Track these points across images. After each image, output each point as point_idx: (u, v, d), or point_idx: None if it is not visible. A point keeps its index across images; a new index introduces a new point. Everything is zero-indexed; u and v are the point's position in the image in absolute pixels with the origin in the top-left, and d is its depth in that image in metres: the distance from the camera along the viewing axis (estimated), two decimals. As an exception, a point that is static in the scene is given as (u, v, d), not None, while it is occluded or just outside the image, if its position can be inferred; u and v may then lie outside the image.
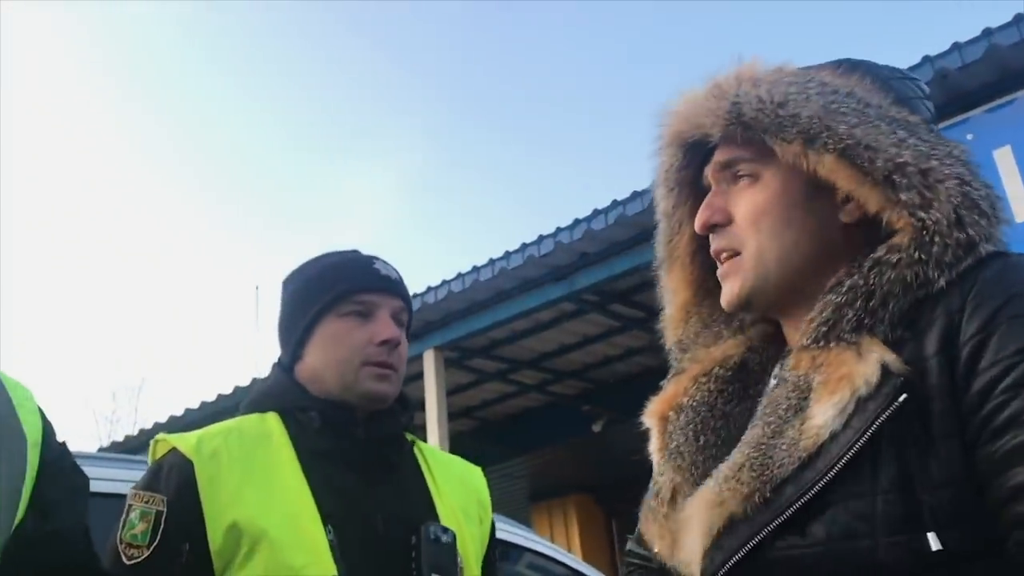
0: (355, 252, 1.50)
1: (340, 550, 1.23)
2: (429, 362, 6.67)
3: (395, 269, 1.49)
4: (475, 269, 6.40)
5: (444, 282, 6.54)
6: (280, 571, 1.20)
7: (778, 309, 0.90)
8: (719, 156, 0.91)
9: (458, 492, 1.47)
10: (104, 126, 30.21)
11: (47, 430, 1.12)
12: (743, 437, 0.83)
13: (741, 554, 0.77)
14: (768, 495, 0.76)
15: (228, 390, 7.78)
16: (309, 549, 1.22)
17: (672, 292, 1.02)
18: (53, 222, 28.74)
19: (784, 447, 0.77)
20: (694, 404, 0.93)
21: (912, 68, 3.90)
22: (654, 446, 0.96)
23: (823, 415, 0.75)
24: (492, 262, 6.30)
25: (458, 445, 6.31)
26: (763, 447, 0.79)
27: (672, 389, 0.97)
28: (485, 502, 1.54)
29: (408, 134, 30.97)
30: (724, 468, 0.82)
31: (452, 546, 1.32)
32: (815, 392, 0.77)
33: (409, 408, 1.53)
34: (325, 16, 29.74)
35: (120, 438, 9.71)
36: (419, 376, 6.67)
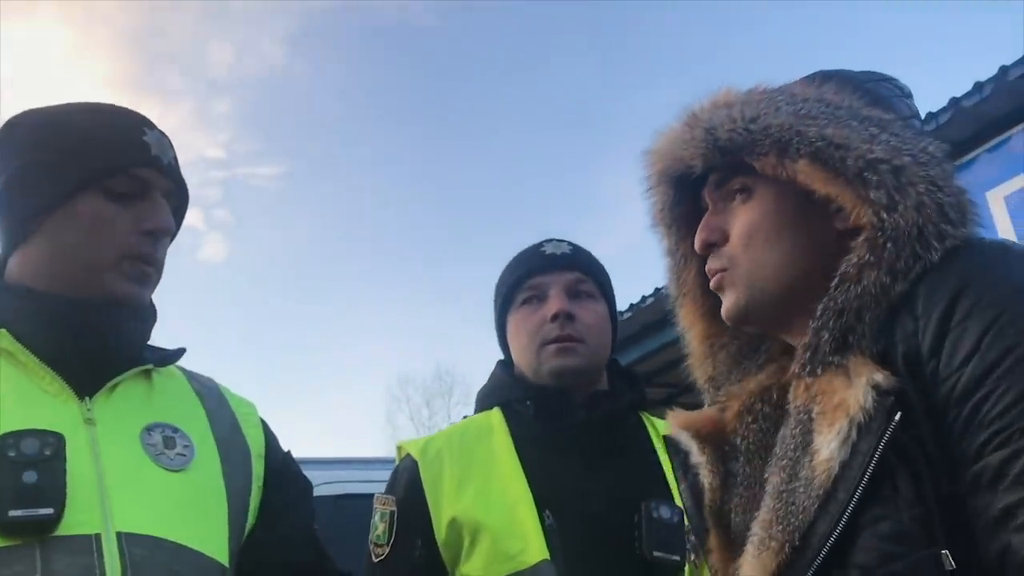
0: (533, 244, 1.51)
1: (559, 535, 1.26)
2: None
3: (568, 244, 1.48)
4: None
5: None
6: (499, 559, 1.26)
7: (784, 328, 0.87)
8: (713, 177, 0.90)
9: None
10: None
11: (270, 441, 1.18)
12: (766, 487, 0.81)
13: None
14: (797, 544, 0.74)
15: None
16: (524, 536, 1.26)
17: (688, 327, 0.99)
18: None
19: (801, 490, 0.75)
20: (750, 445, 0.89)
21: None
22: (705, 469, 0.92)
23: (827, 448, 0.73)
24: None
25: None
26: (784, 495, 0.77)
27: (713, 415, 0.94)
28: None
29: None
30: (756, 528, 0.80)
31: (679, 524, 1.29)
32: (816, 424, 0.76)
33: (637, 384, 1.52)
34: None
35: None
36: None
